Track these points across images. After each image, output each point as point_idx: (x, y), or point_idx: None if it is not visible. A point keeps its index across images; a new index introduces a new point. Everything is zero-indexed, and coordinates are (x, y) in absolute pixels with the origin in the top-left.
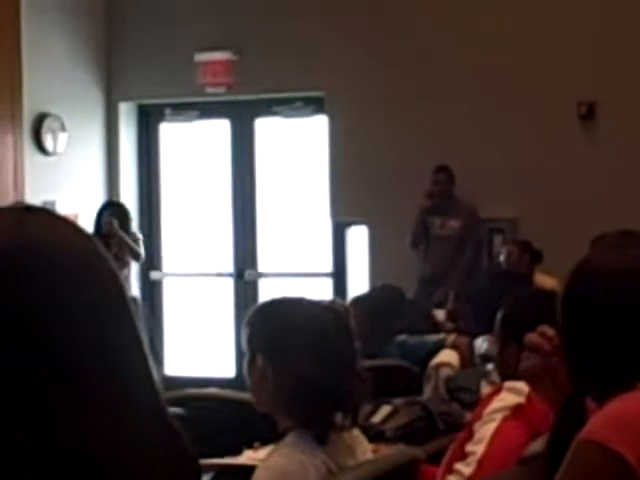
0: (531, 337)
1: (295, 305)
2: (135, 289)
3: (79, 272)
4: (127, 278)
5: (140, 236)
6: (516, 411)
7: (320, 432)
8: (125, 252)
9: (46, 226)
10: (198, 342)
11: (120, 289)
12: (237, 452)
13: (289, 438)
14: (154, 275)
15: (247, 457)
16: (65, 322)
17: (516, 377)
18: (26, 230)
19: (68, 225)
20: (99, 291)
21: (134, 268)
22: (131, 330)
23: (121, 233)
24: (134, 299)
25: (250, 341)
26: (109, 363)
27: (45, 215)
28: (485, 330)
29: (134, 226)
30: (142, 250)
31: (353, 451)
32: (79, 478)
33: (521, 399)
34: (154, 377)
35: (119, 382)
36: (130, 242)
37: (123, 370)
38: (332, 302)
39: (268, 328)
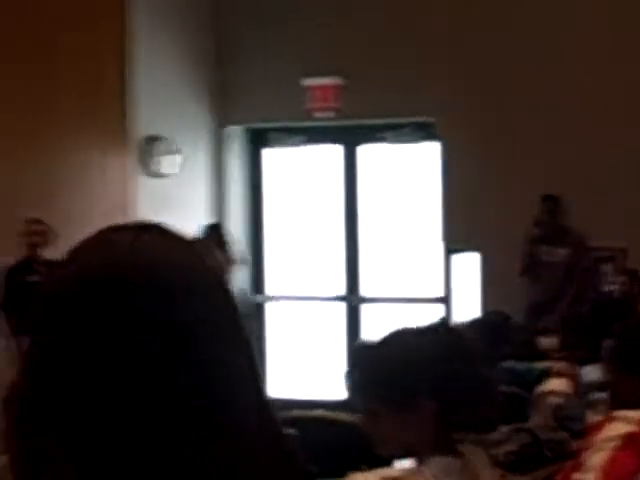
0: None
1: (410, 338)
2: None
3: (191, 291)
4: None
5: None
6: (628, 440)
7: (457, 458)
8: None
9: (159, 245)
10: (302, 364)
11: (234, 307)
12: (341, 475)
13: (428, 465)
14: (258, 298)
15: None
16: (176, 340)
17: (628, 406)
18: (139, 250)
19: (182, 243)
20: (211, 309)
21: (239, 292)
22: (243, 346)
23: (220, 259)
24: None
25: (369, 392)
26: (222, 379)
27: (159, 233)
28: (591, 359)
29: (240, 249)
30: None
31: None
32: None
33: (633, 428)
34: (266, 394)
35: (233, 403)
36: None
37: (237, 386)
38: (443, 323)
39: (389, 374)
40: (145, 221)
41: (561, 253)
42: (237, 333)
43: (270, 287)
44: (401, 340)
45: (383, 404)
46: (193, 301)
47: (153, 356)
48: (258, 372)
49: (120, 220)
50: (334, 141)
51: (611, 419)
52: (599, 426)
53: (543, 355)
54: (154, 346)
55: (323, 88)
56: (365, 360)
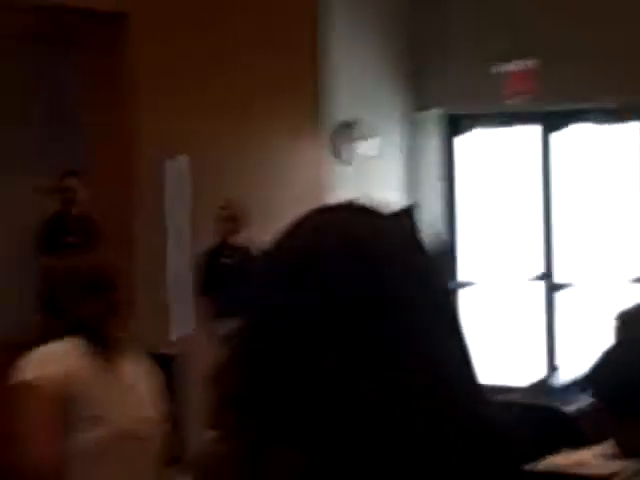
0: None
1: None
2: None
3: (405, 267)
4: None
5: None
6: None
7: None
8: None
9: (372, 223)
10: (496, 350)
11: (443, 282)
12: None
13: None
14: (451, 284)
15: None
16: (385, 312)
17: None
18: (353, 229)
19: (393, 222)
20: (422, 283)
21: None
22: (452, 321)
23: None
24: None
25: (597, 397)
26: (431, 347)
27: (368, 212)
28: None
29: (437, 232)
30: None
31: None
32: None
33: None
34: (473, 362)
35: (439, 366)
36: None
37: (443, 351)
38: None
39: (617, 384)
40: (353, 201)
41: None
42: (444, 305)
43: (463, 273)
44: (623, 351)
45: (610, 410)
46: (407, 278)
47: (363, 330)
48: (466, 346)
49: (315, 205)
50: (530, 125)
51: None
52: None
53: None
54: (364, 320)
55: (519, 72)
56: (593, 370)
